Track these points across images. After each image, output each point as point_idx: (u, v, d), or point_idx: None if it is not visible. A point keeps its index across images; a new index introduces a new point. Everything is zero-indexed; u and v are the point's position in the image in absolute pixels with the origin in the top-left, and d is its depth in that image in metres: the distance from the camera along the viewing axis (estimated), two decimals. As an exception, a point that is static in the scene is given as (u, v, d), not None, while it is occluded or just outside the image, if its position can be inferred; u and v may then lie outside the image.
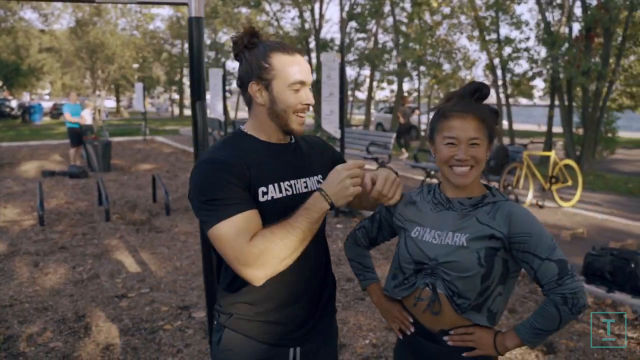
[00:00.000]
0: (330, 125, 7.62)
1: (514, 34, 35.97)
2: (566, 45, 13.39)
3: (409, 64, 19.91)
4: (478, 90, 1.61)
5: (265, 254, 1.42)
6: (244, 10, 24.52)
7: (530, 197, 8.34)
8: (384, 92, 26.74)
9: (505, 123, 16.82)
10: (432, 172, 9.41)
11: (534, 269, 1.54)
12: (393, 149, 11.53)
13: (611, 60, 13.02)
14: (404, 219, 1.75)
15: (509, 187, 8.24)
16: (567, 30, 14.13)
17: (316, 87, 15.44)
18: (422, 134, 19.24)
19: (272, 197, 1.57)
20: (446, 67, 21.10)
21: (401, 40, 19.47)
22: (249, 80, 1.61)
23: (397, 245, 1.78)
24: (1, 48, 32.08)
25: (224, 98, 13.24)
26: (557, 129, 14.96)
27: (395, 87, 21.89)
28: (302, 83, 1.59)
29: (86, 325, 4.10)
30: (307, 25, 24.27)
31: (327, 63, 7.66)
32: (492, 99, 17.16)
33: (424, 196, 1.75)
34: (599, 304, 4.60)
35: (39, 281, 5.06)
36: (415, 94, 23.64)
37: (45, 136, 21.86)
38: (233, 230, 1.43)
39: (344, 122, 7.61)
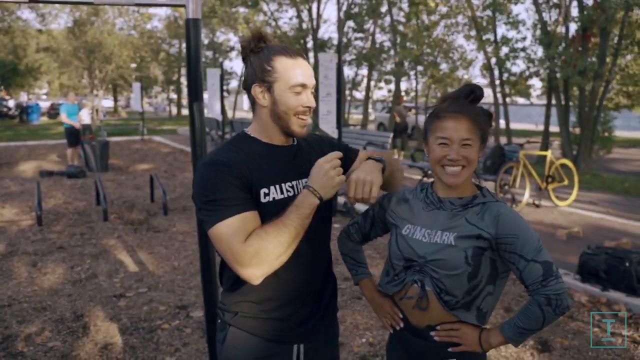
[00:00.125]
0: (328, 125, 7.65)
1: (511, 33, 36.07)
2: (563, 45, 13.44)
3: (406, 64, 19.94)
4: (472, 93, 1.65)
5: (260, 252, 1.46)
6: (241, 10, 24.52)
7: (526, 197, 8.37)
8: (382, 92, 26.78)
9: (502, 122, 16.86)
10: (429, 172, 9.44)
11: (520, 270, 1.58)
12: (390, 148, 11.55)
13: (608, 60, 13.07)
14: (396, 216, 1.79)
15: (506, 187, 8.27)
16: (563, 30, 14.18)
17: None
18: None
19: (274, 198, 1.60)
20: (443, 66, 21.13)
21: (398, 40, 19.49)
22: (252, 83, 1.65)
23: (389, 241, 1.83)
24: (-2, 48, 32.08)
25: (222, 98, 13.26)
26: (555, 128, 15.01)
27: (392, 86, 21.92)
28: (303, 86, 1.62)
29: (84, 324, 4.12)
30: (304, 25, 24.29)
31: (324, 63, 7.69)
32: (489, 98, 17.20)
33: (417, 194, 1.79)
34: (593, 302, 4.64)
35: (37, 281, 5.08)
36: (413, 93, 23.70)
37: (43, 136, 21.85)
38: (230, 231, 1.47)
39: (341, 122, 7.64)
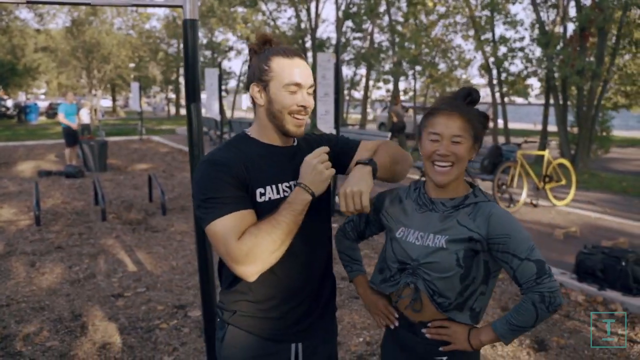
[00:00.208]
0: (326, 125, 7.67)
1: (509, 33, 36.01)
2: (561, 44, 13.46)
3: (404, 64, 19.96)
4: (469, 95, 1.67)
5: (253, 249, 1.48)
6: (240, 9, 24.52)
7: (524, 196, 8.39)
8: (380, 92, 26.80)
9: (500, 122, 16.88)
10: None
11: (513, 269, 1.59)
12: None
13: (606, 60, 13.09)
14: (390, 218, 1.81)
15: (503, 187, 8.29)
16: (561, 29, 14.20)
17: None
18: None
19: (270, 198, 1.62)
20: (442, 66, 21.16)
21: (397, 40, 19.51)
22: (251, 82, 1.68)
23: (384, 242, 1.85)
24: (-3, 48, 32.04)
25: (220, 98, 13.25)
26: (553, 127, 15.03)
27: (391, 86, 21.94)
28: (298, 85, 1.62)
29: (83, 324, 4.13)
30: (303, 25, 24.31)
31: (322, 63, 7.70)
32: (487, 98, 17.23)
33: (410, 194, 1.80)
34: (590, 301, 4.66)
35: (35, 281, 5.09)
36: (412, 93, 23.71)
37: (41, 136, 21.83)
38: (225, 228, 1.50)
39: (339, 122, 7.65)
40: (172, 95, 44.32)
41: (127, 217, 7.56)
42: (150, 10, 37.25)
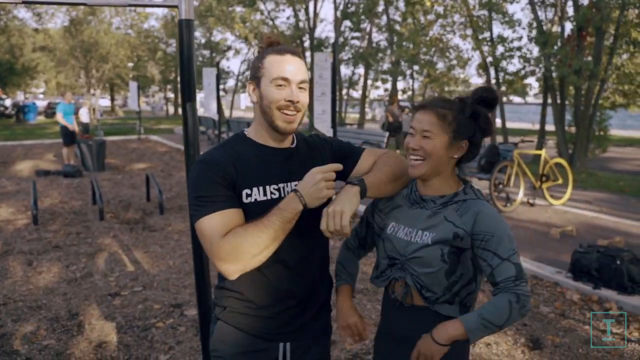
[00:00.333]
0: (323, 125, 7.68)
1: (507, 33, 36.14)
2: (558, 44, 13.48)
3: (403, 63, 19.98)
4: (477, 94, 1.70)
5: (236, 249, 1.49)
6: (238, 9, 24.53)
7: (521, 195, 8.41)
8: (379, 91, 26.82)
9: (498, 121, 16.89)
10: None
11: (492, 267, 1.60)
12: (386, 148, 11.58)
13: (603, 59, 13.11)
14: (383, 215, 1.84)
15: (500, 186, 8.31)
16: (559, 29, 14.22)
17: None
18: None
19: (256, 199, 1.63)
20: (440, 65, 21.18)
21: (395, 39, 19.53)
22: (248, 81, 1.71)
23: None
24: (-5, 47, 32.01)
25: (218, 97, 13.26)
26: (551, 127, 15.06)
27: (389, 85, 21.96)
28: (286, 79, 1.61)
29: (79, 323, 4.14)
30: (301, 24, 24.32)
31: (319, 63, 7.72)
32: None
33: (402, 191, 1.82)
34: (585, 300, 4.67)
35: (32, 280, 5.10)
36: (410, 92, 23.72)
37: (40, 135, 21.83)
38: (211, 226, 1.53)
39: (336, 121, 7.67)
40: (171, 95, 44.36)
41: (125, 217, 7.57)
42: (148, 9, 37.24)
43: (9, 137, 20.79)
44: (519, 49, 15.54)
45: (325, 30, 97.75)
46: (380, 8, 20.90)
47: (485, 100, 1.68)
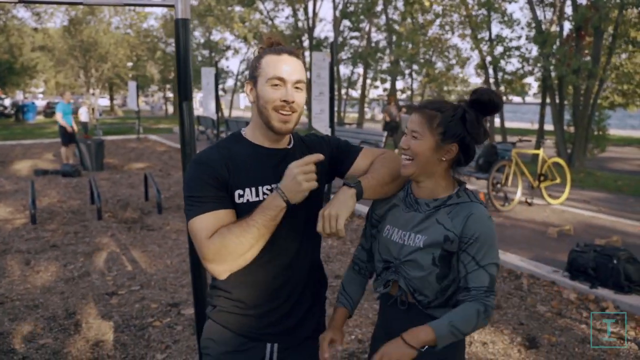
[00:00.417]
0: (321, 124, 7.69)
1: (506, 32, 36.15)
2: (557, 43, 13.49)
3: (402, 63, 19.99)
4: (473, 95, 1.70)
5: (221, 250, 1.50)
6: (237, 8, 24.53)
7: (519, 195, 8.42)
8: (378, 91, 26.84)
9: (497, 121, 16.91)
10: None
11: (467, 271, 1.61)
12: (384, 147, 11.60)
13: (602, 59, 13.11)
14: (379, 217, 1.83)
15: (498, 185, 8.32)
16: (558, 28, 14.23)
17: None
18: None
19: (248, 200, 1.63)
20: (439, 65, 21.19)
21: (394, 39, 19.54)
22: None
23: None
24: (-6, 46, 32.00)
25: (217, 97, 13.26)
26: (550, 126, 15.07)
27: (388, 85, 21.98)
28: (281, 79, 1.61)
29: (76, 322, 4.15)
30: (300, 24, 24.33)
31: (317, 62, 7.72)
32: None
33: (398, 193, 1.81)
34: (582, 299, 4.68)
35: (30, 279, 5.10)
36: (409, 92, 23.73)
37: (39, 135, 21.83)
38: (201, 226, 1.54)
39: (334, 121, 7.67)
40: (170, 95, 44.35)
41: (123, 216, 7.58)
42: (147, 9, 37.21)
43: (8, 137, 20.79)
44: (518, 48, 15.55)
45: (324, 29, 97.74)
46: (379, 8, 20.91)
47: (482, 104, 1.65)
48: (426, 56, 20.68)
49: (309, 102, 12.61)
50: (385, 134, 11.60)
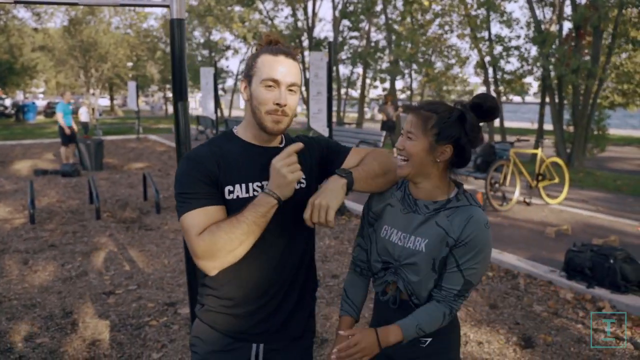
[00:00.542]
0: (318, 124, 7.69)
1: (505, 32, 36.20)
2: (556, 43, 13.49)
3: (401, 62, 19.99)
4: (473, 100, 1.70)
5: (211, 246, 1.50)
6: (237, 8, 24.53)
7: (517, 194, 8.42)
8: (377, 91, 26.85)
9: (496, 120, 16.89)
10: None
11: (446, 270, 1.64)
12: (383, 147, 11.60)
13: (602, 58, 13.11)
14: (376, 216, 1.83)
15: (496, 185, 8.32)
16: (557, 28, 14.23)
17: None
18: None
19: (238, 196, 1.63)
20: (438, 65, 21.20)
21: (393, 39, 19.55)
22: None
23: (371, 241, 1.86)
24: (-5, 47, 32.02)
25: (216, 96, 13.27)
26: (550, 126, 15.07)
27: (388, 85, 21.99)
28: (275, 81, 1.60)
29: (73, 321, 4.16)
30: (300, 24, 24.34)
31: (314, 62, 7.72)
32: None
33: (395, 194, 1.80)
34: (578, 299, 4.69)
35: (27, 278, 5.11)
36: (408, 92, 23.74)
37: (39, 135, 21.85)
38: (191, 222, 1.54)
39: (331, 121, 7.67)
40: (170, 95, 44.35)
41: (122, 216, 7.59)
42: (147, 9, 37.24)
43: (8, 137, 20.81)
44: (517, 48, 15.54)
45: (324, 29, 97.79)
46: (379, 7, 20.91)
47: (482, 109, 1.64)
48: (425, 56, 20.68)
49: (307, 102, 12.60)
50: (384, 133, 11.62)
